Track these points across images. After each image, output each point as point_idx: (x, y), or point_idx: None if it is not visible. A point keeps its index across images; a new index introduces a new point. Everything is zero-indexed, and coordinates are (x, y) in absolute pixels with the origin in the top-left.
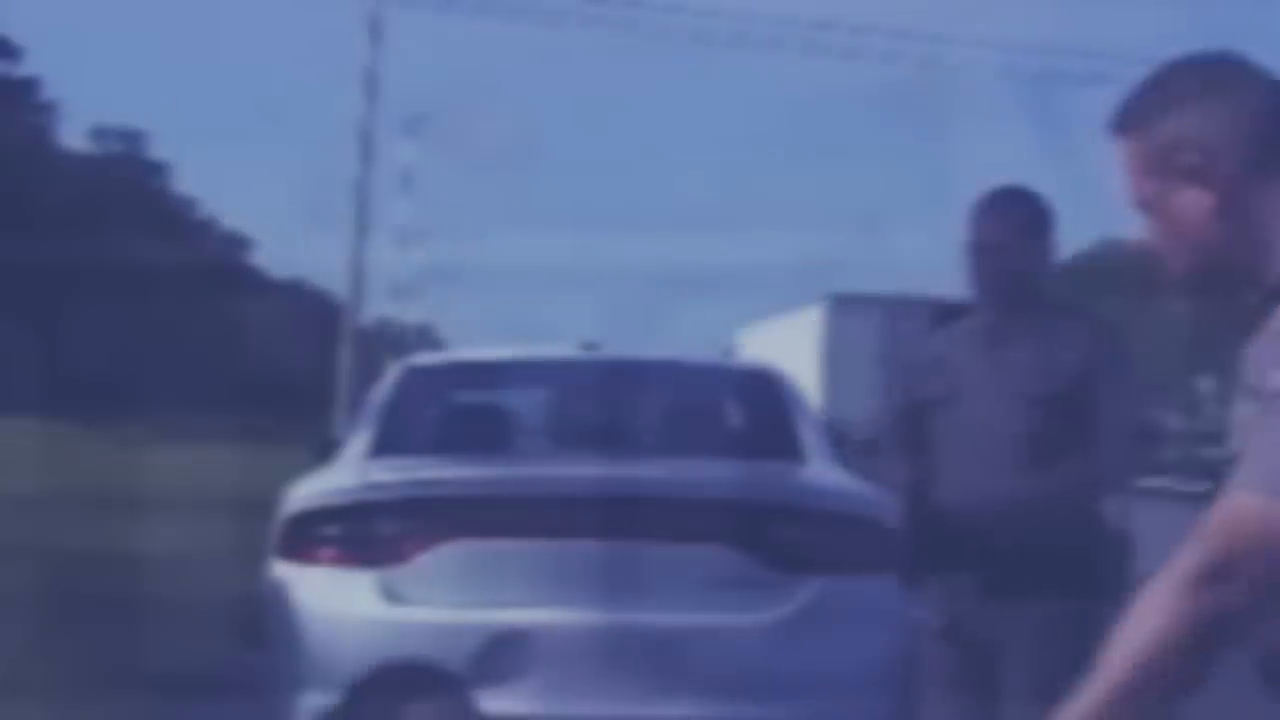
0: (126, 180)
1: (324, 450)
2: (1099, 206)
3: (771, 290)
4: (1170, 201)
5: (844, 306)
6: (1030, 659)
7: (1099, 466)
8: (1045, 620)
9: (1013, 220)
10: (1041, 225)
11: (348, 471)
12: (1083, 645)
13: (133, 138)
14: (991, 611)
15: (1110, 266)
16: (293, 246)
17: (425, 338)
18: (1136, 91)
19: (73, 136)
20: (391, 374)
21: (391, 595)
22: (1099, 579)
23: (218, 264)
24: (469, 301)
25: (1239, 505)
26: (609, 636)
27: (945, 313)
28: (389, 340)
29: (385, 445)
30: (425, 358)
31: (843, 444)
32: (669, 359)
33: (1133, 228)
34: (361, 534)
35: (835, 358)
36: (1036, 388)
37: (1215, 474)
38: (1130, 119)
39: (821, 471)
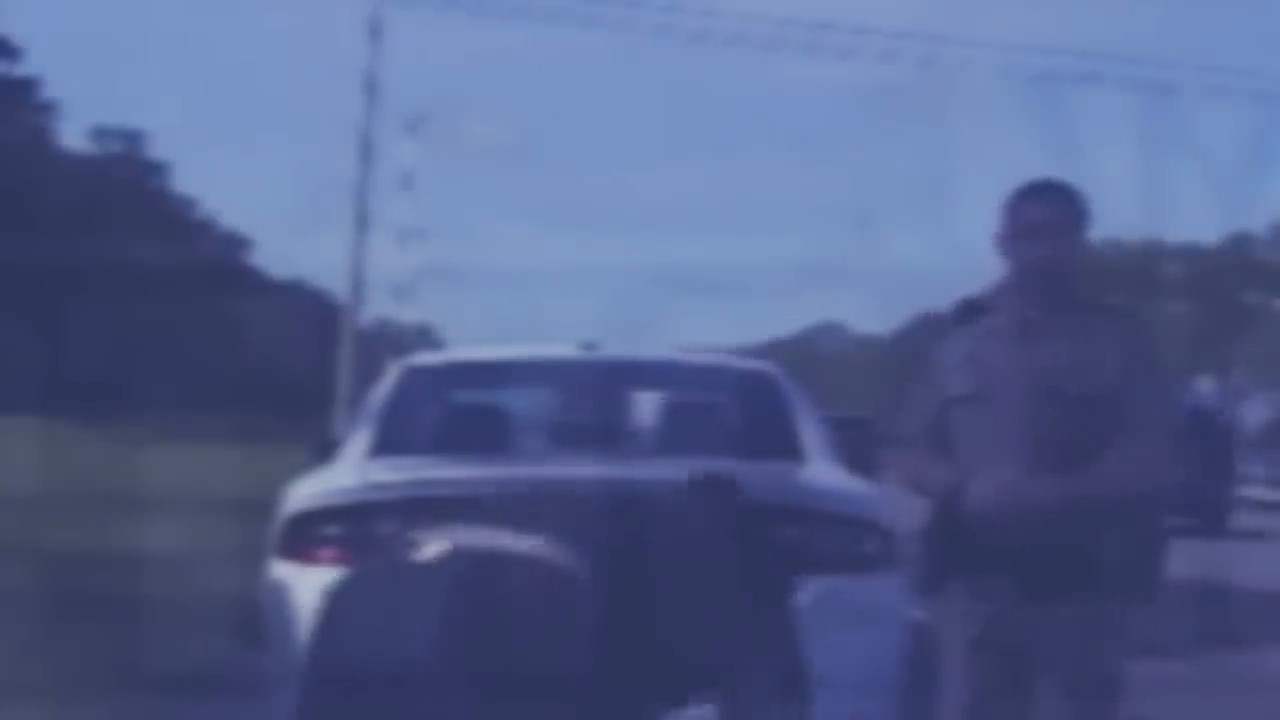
0: (126, 180)
1: (324, 450)
2: (1098, 206)
3: (771, 290)
4: None
5: None
6: (1068, 661)
7: (1137, 466)
8: (1080, 624)
9: (1052, 209)
10: (1079, 218)
11: (348, 471)
12: (1115, 647)
13: (133, 138)
14: (1027, 615)
15: (1110, 266)
16: (293, 246)
17: (425, 338)
18: None
19: (73, 136)
20: (391, 374)
21: None
22: (1135, 579)
23: (217, 264)
24: (469, 301)
25: None
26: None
27: (967, 310)
28: (389, 340)
29: (385, 445)
30: (425, 358)
31: None
32: (669, 359)
33: None
34: (361, 534)
35: None
36: (1072, 387)
37: None
38: None
39: (821, 471)
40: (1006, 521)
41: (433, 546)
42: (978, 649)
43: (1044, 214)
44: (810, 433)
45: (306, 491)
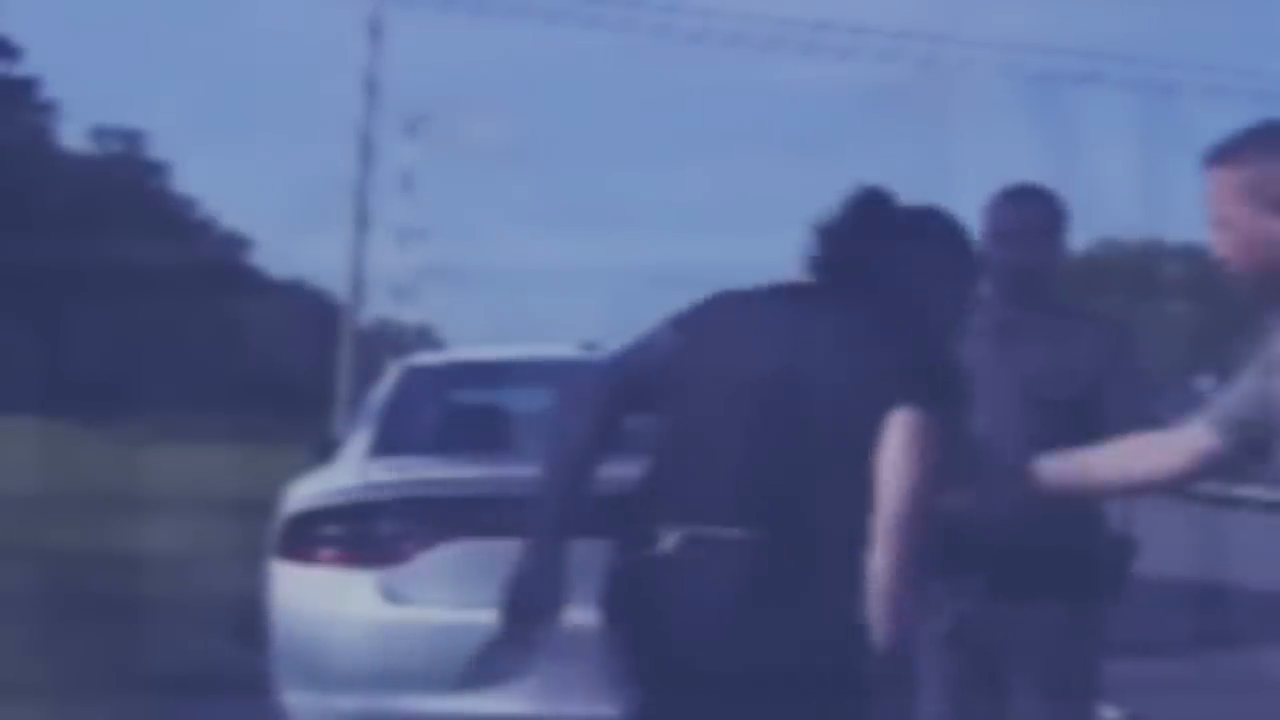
0: (126, 180)
1: (324, 450)
2: (1098, 206)
3: None
4: (1254, 225)
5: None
6: (1038, 661)
7: None
8: (1053, 623)
9: (1031, 213)
10: (1058, 221)
11: (348, 471)
12: (1089, 647)
13: (133, 138)
14: (999, 614)
15: (1110, 266)
16: (293, 246)
17: (425, 338)
18: (1243, 134)
19: (73, 136)
20: (391, 374)
21: (391, 595)
22: (1104, 581)
23: (217, 264)
24: (469, 301)
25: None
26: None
27: None
28: (389, 340)
29: (385, 445)
30: (425, 358)
31: None
32: None
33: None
34: (361, 534)
35: None
36: (1049, 392)
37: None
38: (1230, 154)
39: None
40: (981, 523)
41: (670, 538)
42: (950, 645)
43: (1020, 218)
44: None
45: (306, 491)
